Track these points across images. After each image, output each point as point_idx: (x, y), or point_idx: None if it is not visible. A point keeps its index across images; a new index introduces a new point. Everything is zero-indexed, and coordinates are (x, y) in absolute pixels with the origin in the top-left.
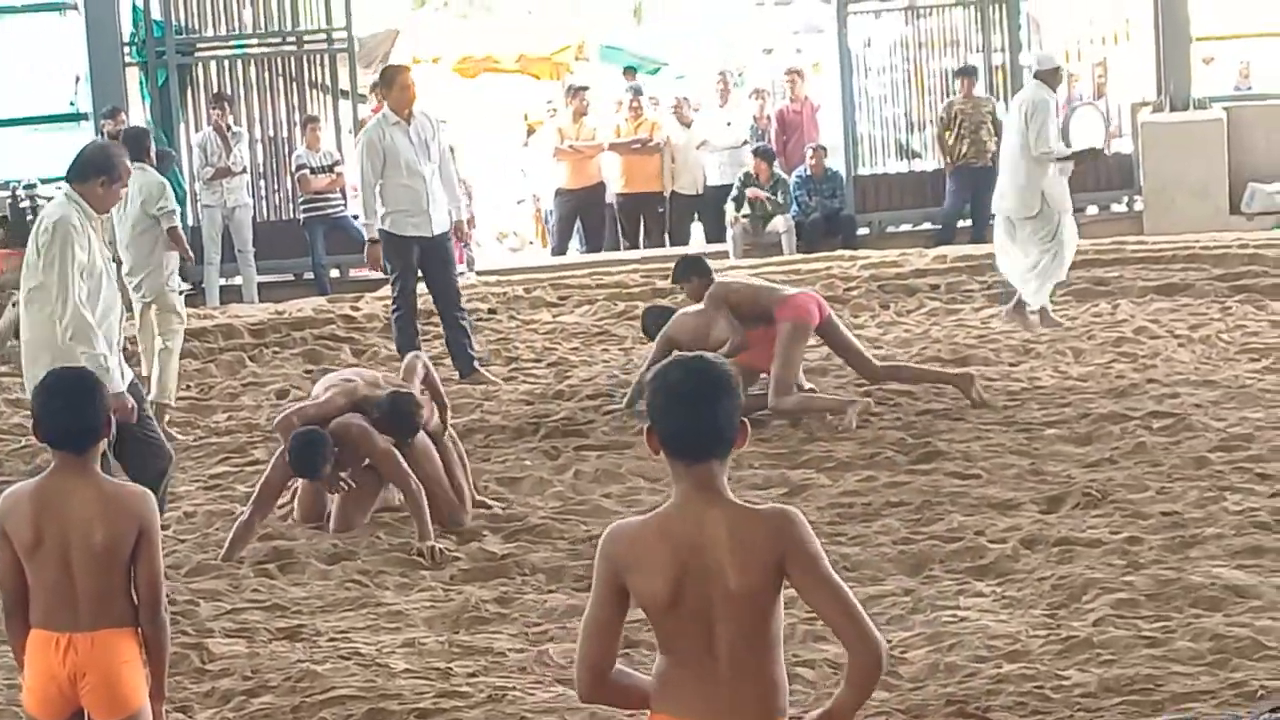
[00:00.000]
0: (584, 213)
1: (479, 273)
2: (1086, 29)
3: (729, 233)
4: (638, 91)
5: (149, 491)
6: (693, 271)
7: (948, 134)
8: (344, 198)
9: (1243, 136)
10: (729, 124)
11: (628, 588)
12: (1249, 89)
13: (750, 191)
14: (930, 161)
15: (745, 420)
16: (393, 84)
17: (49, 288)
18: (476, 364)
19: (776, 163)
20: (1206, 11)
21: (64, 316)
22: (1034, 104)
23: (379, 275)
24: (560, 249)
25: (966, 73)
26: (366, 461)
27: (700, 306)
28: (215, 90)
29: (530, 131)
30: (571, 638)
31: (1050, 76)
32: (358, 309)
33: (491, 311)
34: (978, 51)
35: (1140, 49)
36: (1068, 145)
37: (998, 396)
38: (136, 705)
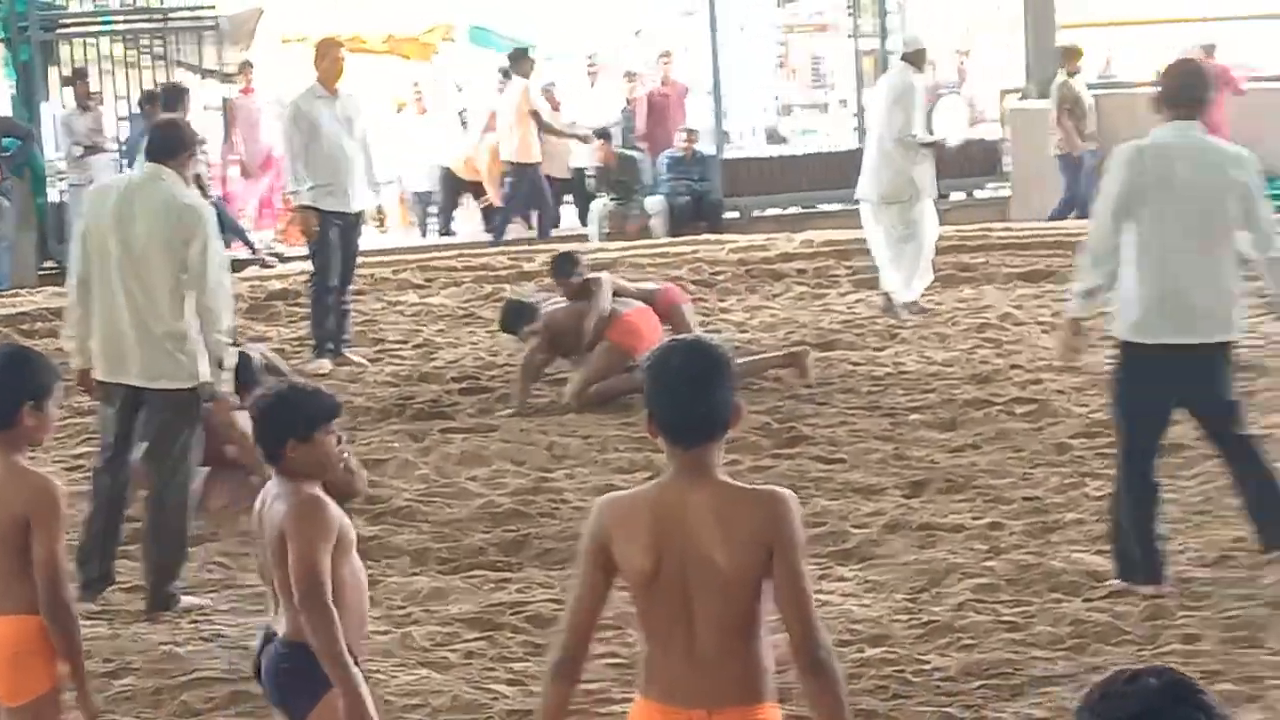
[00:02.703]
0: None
1: None
2: (953, 15)
3: (591, 214)
4: (507, 74)
5: (50, 478)
6: (573, 268)
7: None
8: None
9: (1108, 124)
10: (599, 105)
11: (613, 559)
12: (1112, 77)
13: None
14: (798, 146)
15: (739, 402)
16: (324, 57)
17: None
18: (345, 348)
19: (644, 145)
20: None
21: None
22: (901, 87)
23: (243, 255)
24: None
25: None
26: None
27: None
28: (76, 67)
29: (398, 112)
30: (435, 620)
31: (916, 59)
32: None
33: (359, 293)
34: (847, 36)
35: (1006, 37)
36: (930, 133)
37: (862, 382)
38: (35, 691)
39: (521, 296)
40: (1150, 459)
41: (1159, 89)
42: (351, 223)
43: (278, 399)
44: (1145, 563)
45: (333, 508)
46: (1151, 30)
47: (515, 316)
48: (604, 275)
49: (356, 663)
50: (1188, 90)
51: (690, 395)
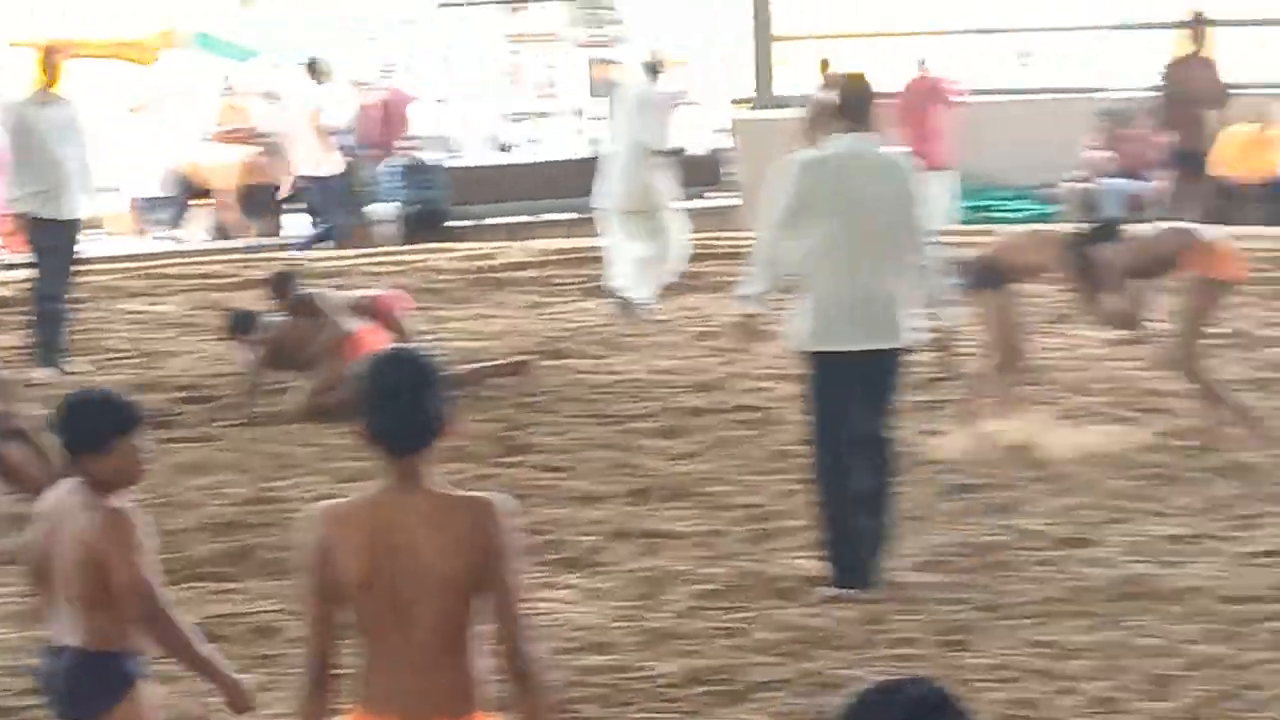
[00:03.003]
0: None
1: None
2: (678, 27)
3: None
4: (231, 80)
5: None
6: (291, 286)
7: None
8: None
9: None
10: (324, 113)
11: (330, 567)
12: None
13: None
14: (527, 155)
15: (453, 410)
16: (44, 61)
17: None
18: (61, 358)
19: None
20: (788, 13)
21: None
22: (642, 98)
23: None
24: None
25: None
26: None
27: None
28: None
29: (123, 117)
30: None
31: (658, 69)
32: None
33: (80, 301)
34: (575, 46)
35: (731, 48)
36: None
37: (587, 390)
38: None
39: (245, 306)
40: (848, 462)
41: (837, 102)
42: (70, 229)
43: (78, 407)
44: (856, 567)
45: (139, 515)
46: (869, 44)
47: (238, 325)
48: (324, 290)
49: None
50: (864, 103)
51: (401, 405)
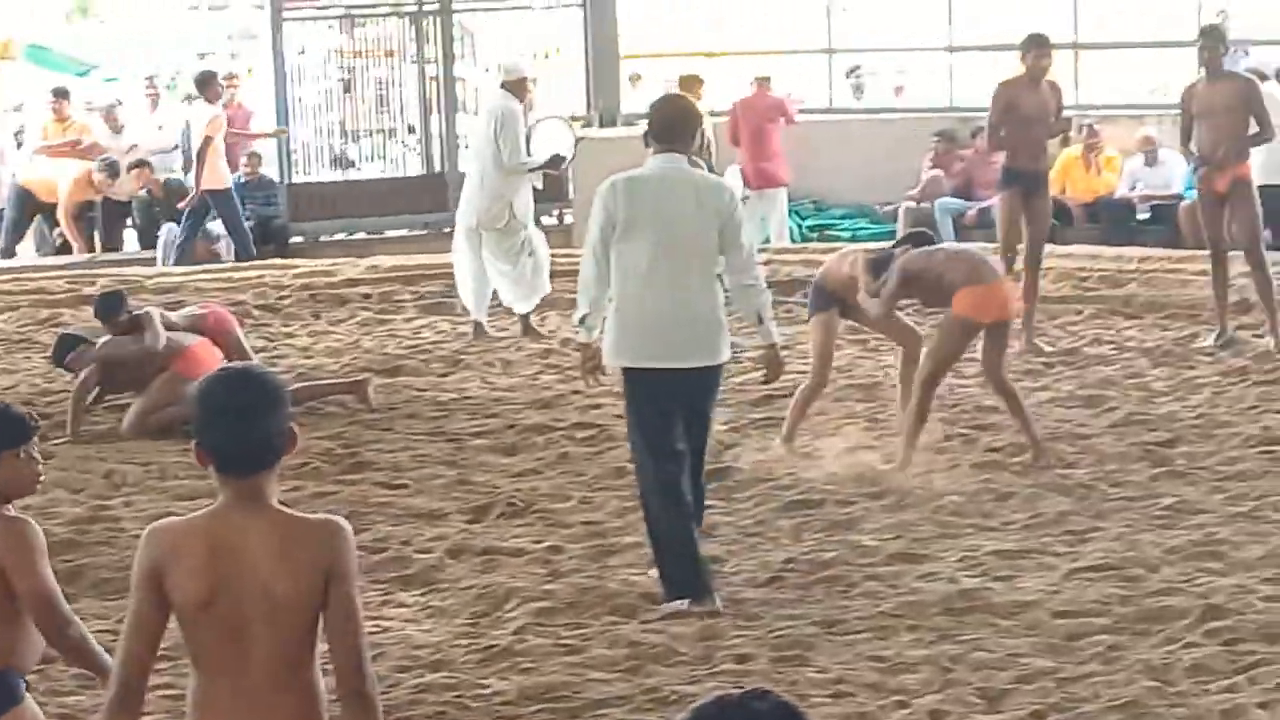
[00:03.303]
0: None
1: None
2: (518, 43)
3: (159, 240)
4: (61, 94)
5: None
6: (118, 308)
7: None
8: None
9: None
10: (160, 128)
11: (165, 589)
12: None
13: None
14: (364, 171)
15: (294, 427)
16: None
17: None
18: None
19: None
20: (635, 30)
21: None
22: (503, 115)
23: None
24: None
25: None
26: None
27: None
28: None
29: None
30: None
31: (518, 87)
32: None
33: None
34: (413, 62)
35: (570, 65)
36: (529, 156)
37: (426, 407)
38: None
39: (73, 329)
40: (676, 475)
41: (647, 124)
42: None
43: None
44: (692, 579)
45: (35, 524)
46: (712, 62)
47: (65, 349)
48: (151, 309)
49: (29, 687)
50: (674, 125)
51: (240, 424)
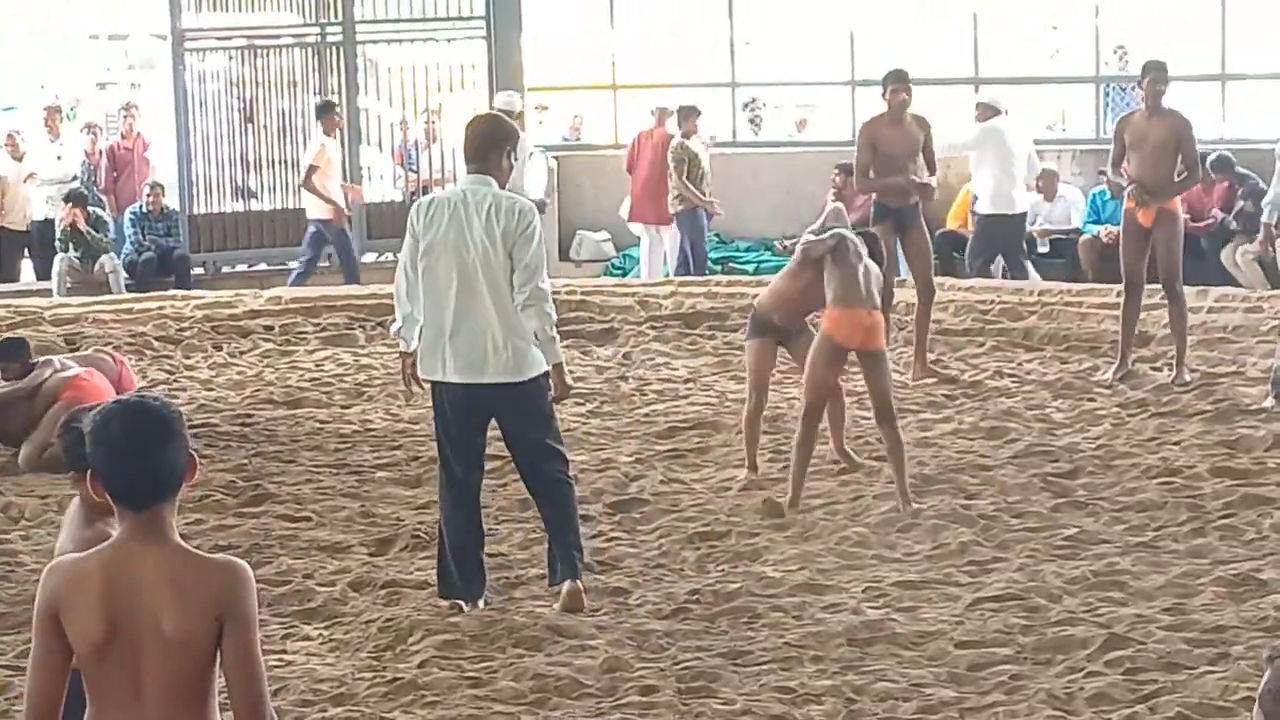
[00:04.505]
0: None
1: None
2: (423, 75)
3: (54, 269)
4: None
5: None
6: (19, 355)
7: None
8: None
9: (572, 186)
10: (59, 158)
11: (63, 625)
12: (578, 139)
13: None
14: (265, 201)
15: (194, 454)
16: None
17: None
18: None
19: (106, 200)
20: (540, 62)
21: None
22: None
23: None
24: None
25: (690, 112)
26: None
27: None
28: None
29: None
30: None
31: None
32: None
33: None
34: (315, 93)
35: (474, 95)
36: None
37: (329, 439)
38: None
39: None
40: (470, 485)
41: (463, 144)
42: None
43: None
44: (467, 582)
45: None
46: (615, 95)
47: None
48: (50, 359)
49: None
50: (481, 146)
51: (136, 456)
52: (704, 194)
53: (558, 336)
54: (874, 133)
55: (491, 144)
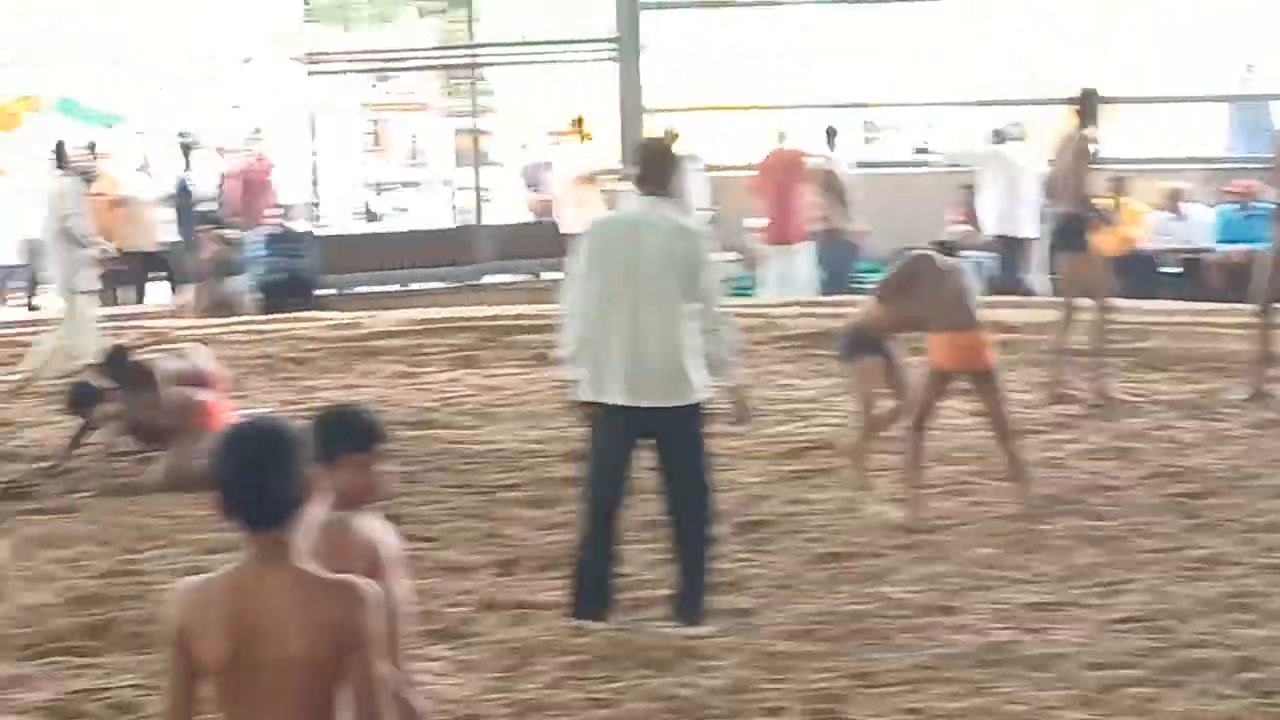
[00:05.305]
0: None
1: None
2: (549, 97)
3: (192, 292)
4: (93, 147)
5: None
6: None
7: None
8: None
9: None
10: (191, 181)
11: (191, 647)
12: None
13: (209, 244)
14: (395, 224)
15: (315, 480)
16: None
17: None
18: None
19: (237, 222)
20: (663, 85)
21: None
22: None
23: None
24: None
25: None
26: None
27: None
28: None
29: None
30: (13, 710)
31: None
32: None
33: None
34: (443, 116)
35: (600, 119)
36: None
37: (456, 460)
38: None
39: (86, 378)
40: (610, 508)
41: (632, 167)
42: None
43: (322, 419)
44: (597, 600)
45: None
46: (734, 116)
47: (80, 399)
48: (154, 359)
49: None
50: (651, 168)
51: (258, 478)
52: (847, 215)
53: (738, 360)
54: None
55: (662, 165)
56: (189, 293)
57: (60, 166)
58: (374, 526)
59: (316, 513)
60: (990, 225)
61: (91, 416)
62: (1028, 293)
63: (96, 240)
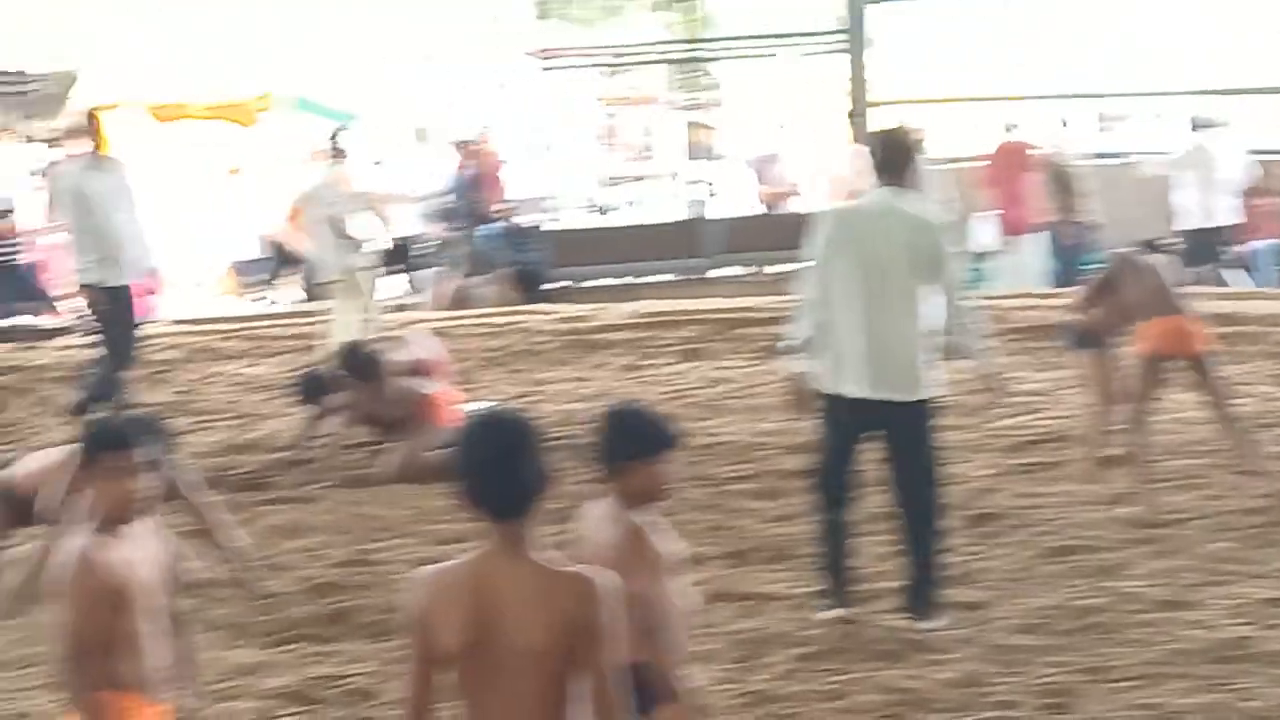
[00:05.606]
0: None
1: (172, 321)
2: (777, 90)
3: (427, 286)
4: (336, 141)
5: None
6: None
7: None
8: (16, 244)
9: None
10: (427, 175)
11: (431, 634)
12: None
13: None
14: (623, 217)
15: (553, 471)
16: (85, 129)
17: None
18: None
19: (471, 216)
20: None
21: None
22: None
23: (54, 324)
24: None
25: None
26: None
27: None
28: None
29: (223, 179)
30: (255, 695)
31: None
32: (30, 359)
33: (180, 361)
34: (673, 109)
35: (828, 111)
36: None
37: (686, 452)
38: None
39: (317, 368)
40: (842, 498)
41: (871, 157)
42: (124, 295)
43: (616, 420)
44: (837, 590)
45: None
46: (961, 109)
47: (313, 388)
48: (383, 349)
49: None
50: (889, 158)
51: (500, 468)
52: (1078, 207)
53: (990, 345)
54: None
55: (899, 156)
56: (425, 286)
57: (330, 158)
58: (658, 526)
59: (611, 512)
60: (1188, 217)
61: (323, 406)
62: (1220, 284)
63: (361, 233)
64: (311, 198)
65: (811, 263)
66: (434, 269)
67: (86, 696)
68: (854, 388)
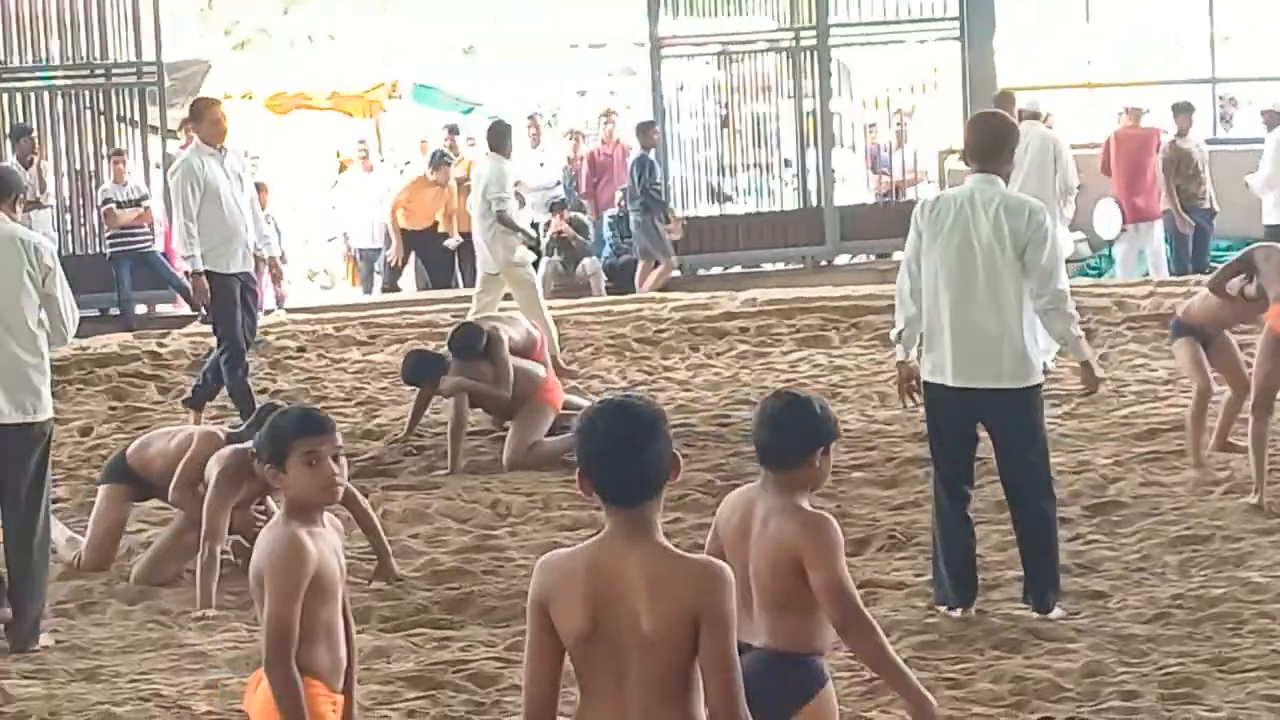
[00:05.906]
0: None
1: (289, 310)
2: (894, 77)
3: (539, 274)
4: (453, 131)
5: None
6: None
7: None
8: (151, 232)
9: None
10: (541, 165)
11: (552, 618)
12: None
13: (557, 225)
14: (741, 205)
15: (677, 455)
16: (203, 117)
17: None
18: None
19: (585, 205)
20: (1011, 62)
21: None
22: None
23: (186, 311)
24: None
25: (1183, 109)
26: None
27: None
28: (18, 121)
29: (342, 169)
30: (377, 679)
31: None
32: (164, 345)
33: (301, 350)
34: (789, 97)
35: (946, 97)
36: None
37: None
38: None
39: (425, 348)
40: (959, 491)
41: (965, 143)
42: (250, 281)
43: (785, 412)
44: (955, 588)
45: (833, 520)
46: (1086, 93)
47: (422, 369)
48: (500, 330)
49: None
50: (985, 145)
51: (622, 454)
52: (1200, 194)
53: (1083, 335)
54: None
55: (997, 142)
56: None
57: (493, 150)
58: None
59: (778, 503)
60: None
61: (431, 388)
62: None
63: (524, 224)
64: (483, 188)
65: (908, 252)
66: (551, 258)
67: (293, 686)
68: (953, 376)
